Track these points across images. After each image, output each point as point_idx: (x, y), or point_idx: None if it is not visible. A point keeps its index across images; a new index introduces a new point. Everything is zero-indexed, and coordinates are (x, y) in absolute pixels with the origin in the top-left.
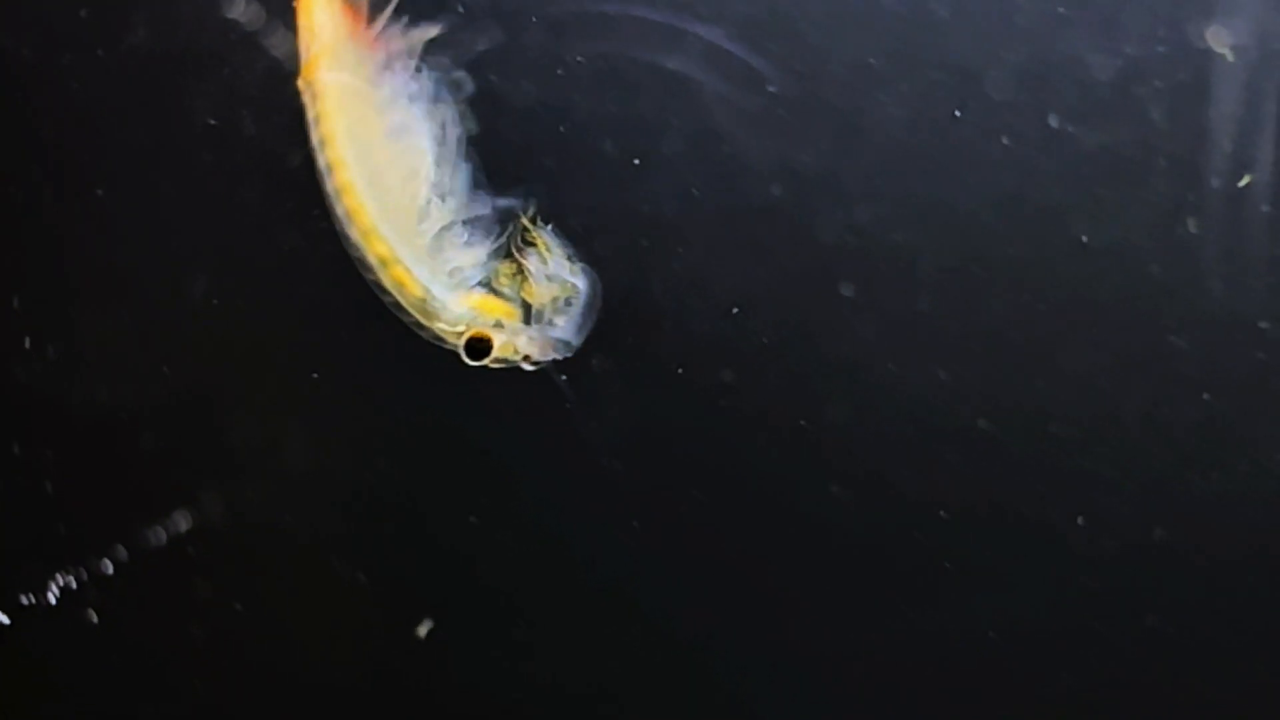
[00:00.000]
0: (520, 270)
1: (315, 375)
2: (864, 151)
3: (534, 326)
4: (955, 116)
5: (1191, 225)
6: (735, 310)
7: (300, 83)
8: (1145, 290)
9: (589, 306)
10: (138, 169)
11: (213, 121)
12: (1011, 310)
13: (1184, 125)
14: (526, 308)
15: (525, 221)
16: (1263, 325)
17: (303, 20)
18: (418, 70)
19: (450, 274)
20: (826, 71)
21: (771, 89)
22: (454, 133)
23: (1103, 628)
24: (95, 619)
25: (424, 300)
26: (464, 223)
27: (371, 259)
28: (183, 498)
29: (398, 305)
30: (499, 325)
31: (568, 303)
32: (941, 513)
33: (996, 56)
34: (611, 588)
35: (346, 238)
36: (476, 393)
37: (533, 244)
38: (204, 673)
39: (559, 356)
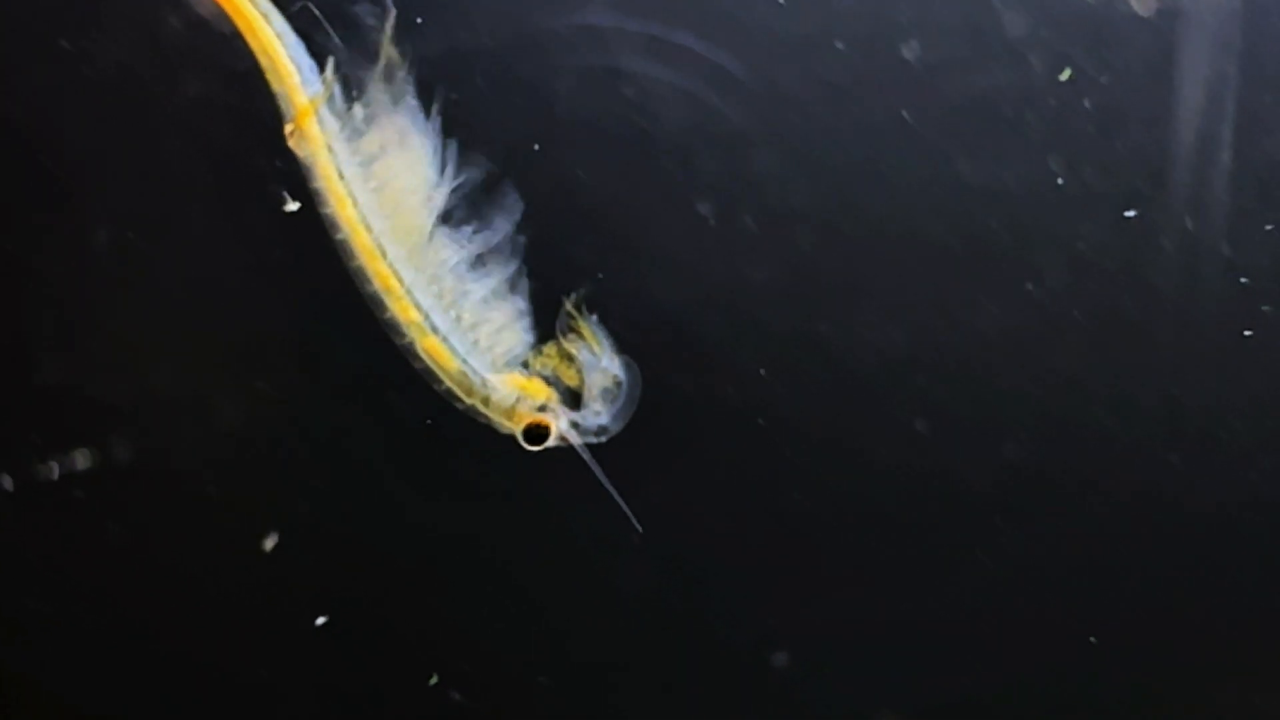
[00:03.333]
0: (563, 355)
1: (235, 323)
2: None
3: (578, 412)
4: (838, 49)
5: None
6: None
7: (290, 136)
8: (1016, 227)
9: (631, 398)
10: (45, 115)
11: (123, 69)
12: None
13: (1106, 83)
14: (563, 390)
15: (570, 309)
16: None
17: (273, 84)
18: (410, 105)
19: (489, 351)
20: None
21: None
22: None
23: (964, 545)
24: None
25: (462, 374)
26: (495, 293)
27: (405, 326)
28: (87, 438)
29: (430, 374)
30: (544, 409)
31: (610, 393)
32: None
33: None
34: (487, 513)
35: (378, 300)
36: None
37: (577, 331)
38: (72, 601)
39: (596, 441)
